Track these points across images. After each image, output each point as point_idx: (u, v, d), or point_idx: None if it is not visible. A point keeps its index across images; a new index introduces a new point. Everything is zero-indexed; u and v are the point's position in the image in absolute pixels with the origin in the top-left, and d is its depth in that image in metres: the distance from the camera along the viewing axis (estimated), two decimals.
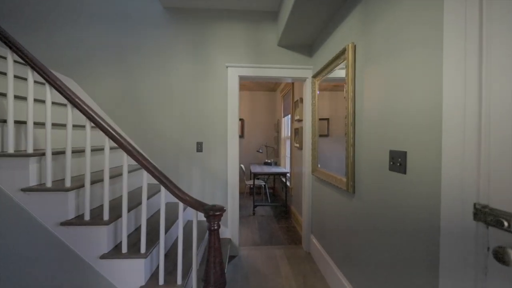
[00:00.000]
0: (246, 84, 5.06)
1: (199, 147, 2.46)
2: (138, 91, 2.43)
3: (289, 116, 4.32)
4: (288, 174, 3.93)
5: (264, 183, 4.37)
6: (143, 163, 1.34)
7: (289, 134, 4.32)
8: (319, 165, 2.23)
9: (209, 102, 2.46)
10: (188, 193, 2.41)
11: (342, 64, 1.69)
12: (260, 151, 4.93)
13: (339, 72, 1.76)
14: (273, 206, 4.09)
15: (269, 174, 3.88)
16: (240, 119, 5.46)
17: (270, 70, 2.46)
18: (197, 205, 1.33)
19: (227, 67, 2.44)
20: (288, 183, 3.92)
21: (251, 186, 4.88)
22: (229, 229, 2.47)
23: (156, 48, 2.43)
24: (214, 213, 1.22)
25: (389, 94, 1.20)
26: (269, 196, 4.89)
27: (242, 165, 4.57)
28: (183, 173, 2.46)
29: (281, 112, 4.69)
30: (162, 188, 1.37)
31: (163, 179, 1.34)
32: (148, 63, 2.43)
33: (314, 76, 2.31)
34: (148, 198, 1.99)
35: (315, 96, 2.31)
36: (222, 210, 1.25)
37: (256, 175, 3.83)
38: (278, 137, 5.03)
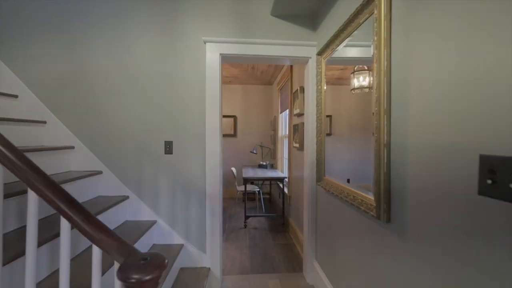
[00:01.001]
0: (238, 76, 4.48)
1: (168, 147, 1.87)
2: (86, 73, 1.83)
3: (287, 111, 3.74)
4: (286, 179, 3.35)
5: (258, 189, 3.79)
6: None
7: (287, 132, 3.75)
8: (326, 175, 1.65)
9: (182, 89, 1.87)
10: (154, 208, 1.85)
11: (365, 24, 1.11)
12: (254, 151, 4.35)
13: (352, 52, 1.18)
14: (268, 217, 3.50)
15: (263, 180, 3.30)
16: (232, 116, 4.87)
17: (261, 47, 1.88)
18: (119, 250, 0.73)
19: (205, 42, 1.85)
20: (286, 190, 3.33)
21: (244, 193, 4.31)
22: (208, 255, 1.88)
23: (111, 16, 1.83)
24: (139, 279, 0.63)
25: (475, 53, 0.62)
26: (263, 204, 4.30)
27: (233, 168, 3.99)
28: (147, 182, 1.87)
29: (278, 107, 4.11)
30: (64, 222, 0.77)
31: (57, 201, 0.74)
32: (99, 36, 1.83)
33: (320, 53, 1.73)
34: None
35: (321, 80, 1.73)
36: (156, 268, 0.65)
37: (247, 181, 3.25)
38: (275, 136, 4.45)
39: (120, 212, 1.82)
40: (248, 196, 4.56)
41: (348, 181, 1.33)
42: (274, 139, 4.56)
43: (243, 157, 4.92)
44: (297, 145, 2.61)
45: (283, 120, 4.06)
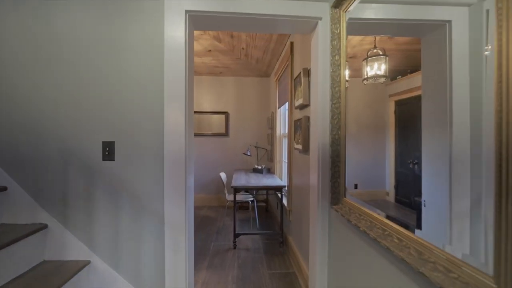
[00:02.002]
0: (231, 66, 3.86)
1: (108, 150, 1.25)
2: None
3: (287, 104, 3.12)
4: (285, 189, 2.73)
5: (252, 198, 3.17)
6: None
7: (287, 131, 3.13)
8: (346, 195, 1.04)
9: (129, 66, 1.25)
10: (88, 241, 1.22)
11: None
12: (248, 153, 3.73)
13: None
14: (264, 235, 2.88)
15: (257, 189, 2.68)
16: (224, 113, 4.25)
17: (248, 2, 1.26)
18: None
19: None
20: (285, 201, 2.71)
21: (238, 204, 3.67)
22: None
23: None
24: None
25: None
26: (258, 216, 3.68)
27: (222, 174, 3.37)
28: (76, 203, 1.25)
29: (276, 102, 3.49)
30: None
31: None
32: None
33: (337, 4, 1.12)
34: None
35: (340, 48, 1.11)
36: None
37: (238, 190, 2.63)
38: (273, 135, 3.84)
39: (34, 249, 1.21)
40: (241, 205, 3.94)
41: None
42: (271, 139, 3.94)
43: (235, 160, 4.30)
44: (299, 146, 2.00)
45: (282, 116, 3.44)
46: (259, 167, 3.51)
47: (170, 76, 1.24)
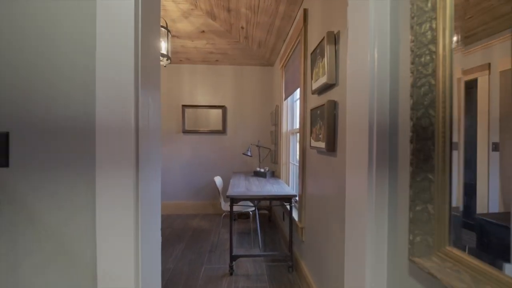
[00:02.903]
0: (228, 52, 3.31)
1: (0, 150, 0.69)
2: None
3: (297, 92, 2.58)
4: (296, 198, 2.17)
5: (253, 208, 2.61)
6: None
7: (298, 125, 2.60)
8: (451, 244, 0.48)
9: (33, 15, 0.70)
10: None
11: None
12: (249, 154, 3.17)
13: None
14: (268, 257, 2.32)
15: (259, 198, 2.12)
16: (221, 107, 3.70)
17: None
18: None
19: None
20: (295, 215, 2.16)
21: (235, 215, 3.06)
22: None
23: None
24: None
25: None
26: (260, 230, 3.13)
27: (217, 178, 2.81)
28: None
29: (282, 93, 2.94)
30: None
31: None
32: None
33: None
34: None
35: None
36: None
37: (235, 200, 2.07)
38: (277, 132, 3.29)
39: None
40: (240, 214, 3.39)
41: None
42: (276, 136, 3.38)
43: (234, 161, 3.75)
44: (319, 144, 1.44)
45: (289, 109, 2.89)
46: (262, 170, 2.96)
47: (104, 27, 0.69)
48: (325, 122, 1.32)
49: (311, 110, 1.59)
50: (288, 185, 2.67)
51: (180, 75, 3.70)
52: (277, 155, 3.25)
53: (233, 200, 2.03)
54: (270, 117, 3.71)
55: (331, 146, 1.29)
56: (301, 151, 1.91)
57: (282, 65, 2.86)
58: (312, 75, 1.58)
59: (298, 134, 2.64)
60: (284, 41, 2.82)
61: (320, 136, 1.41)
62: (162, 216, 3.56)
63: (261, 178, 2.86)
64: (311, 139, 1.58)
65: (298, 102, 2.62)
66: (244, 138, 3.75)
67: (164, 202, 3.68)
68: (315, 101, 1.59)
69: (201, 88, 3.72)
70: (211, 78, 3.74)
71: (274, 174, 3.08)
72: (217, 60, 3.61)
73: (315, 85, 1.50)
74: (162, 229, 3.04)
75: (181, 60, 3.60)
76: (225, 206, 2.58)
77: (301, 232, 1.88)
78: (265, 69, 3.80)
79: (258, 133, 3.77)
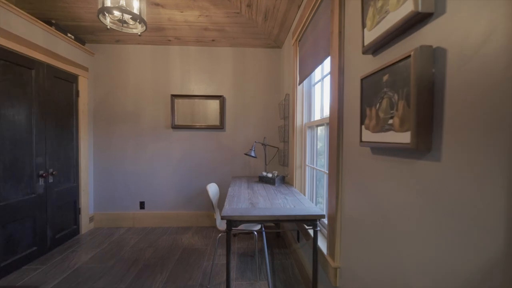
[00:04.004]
0: (226, 28, 2.66)
1: None
2: None
3: (316, 73, 1.94)
4: (324, 220, 1.50)
5: (259, 226, 1.96)
6: None
7: (318, 115, 1.97)
8: None
9: None
10: None
11: None
12: (252, 154, 2.52)
13: None
14: None
15: (268, 221, 1.45)
16: (218, 97, 3.06)
17: None
18: None
19: None
20: (322, 245, 1.49)
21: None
22: None
23: None
24: None
25: None
26: (269, 256, 2.49)
27: (211, 187, 2.16)
28: None
29: (295, 75, 2.29)
30: None
31: None
32: None
33: None
34: None
35: None
36: None
37: (234, 223, 1.42)
38: (288, 126, 2.64)
39: None
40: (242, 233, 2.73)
41: None
42: (286, 132, 2.73)
43: (234, 163, 3.10)
44: (387, 136, 0.80)
45: (306, 96, 2.23)
46: (269, 175, 2.31)
47: None
48: (409, 93, 0.67)
49: (364, 78, 0.93)
50: (304, 195, 2.02)
51: (168, 59, 3.05)
52: (287, 156, 2.60)
53: (232, 223, 1.38)
54: (278, 109, 3.06)
55: (425, 140, 0.64)
56: (333, 150, 1.26)
57: (297, 39, 2.21)
58: (364, 20, 0.92)
59: (319, 128, 1.99)
60: (299, 6, 2.17)
61: (390, 122, 0.76)
62: (145, 229, 2.92)
63: (269, 186, 2.21)
64: (363, 129, 0.93)
65: (317, 87, 1.96)
66: (246, 134, 3.11)
67: (149, 212, 3.04)
68: (371, 63, 0.94)
69: (195, 75, 3.08)
70: (207, 62, 3.09)
71: (285, 180, 2.43)
72: (213, 40, 2.96)
73: (374, 33, 0.84)
74: (141, 249, 2.40)
75: (169, 40, 2.96)
76: (221, 224, 1.93)
77: (335, 274, 1.23)
78: (272, 52, 3.15)
79: (263, 128, 3.12)
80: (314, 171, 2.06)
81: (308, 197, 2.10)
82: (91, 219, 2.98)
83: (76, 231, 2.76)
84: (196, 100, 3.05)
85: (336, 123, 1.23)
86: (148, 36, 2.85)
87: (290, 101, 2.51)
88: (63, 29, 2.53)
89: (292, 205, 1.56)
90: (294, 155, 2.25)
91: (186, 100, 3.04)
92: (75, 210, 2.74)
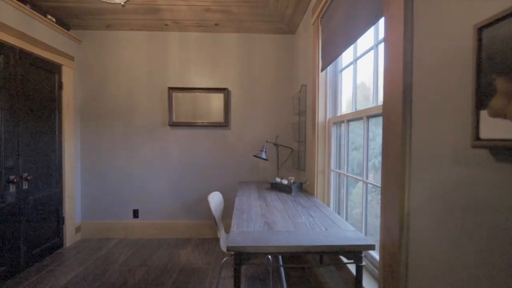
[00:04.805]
0: (232, 9, 2.27)
1: None
2: None
3: (351, 48, 1.52)
4: (372, 252, 1.09)
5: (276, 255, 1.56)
6: None
7: (345, 109, 1.56)
8: None
9: None
10: None
11: None
12: (263, 156, 2.13)
13: None
14: None
15: (294, 252, 1.05)
16: (222, 90, 2.66)
17: None
18: None
19: None
20: None
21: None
22: None
23: None
24: None
25: None
26: (285, 283, 2.07)
27: (215, 195, 1.77)
28: None
29: (317, 60, 1.88)
30: None
31: None
32: None
33: None
34: None
35: None
36: None
37: (242, 256, 1.02)
38: (305, 123, 2.24)
39: None
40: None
41: None
42: (302, 130, 2.33)
43: (240, 165, 2.70)
44: None
45: (330, 84, 1.81)
46: (284, 182, 1.91)
47: None
48: None
49: (488, 26, 0.52)
50: (322, 202, 1.61)
51: (166, 46, 2.67)
52: (304, 158, 2.19)
53: (242, 256, 0.98)
54: (292, 103, 2.66)
55: None
56: (393, 154, 0.85)
57: (318, 16, 1.80)
58: None
59: (343, 125, 1.58)
60: None
61: None
62: (139, 242, 2.55)
63: (284, 195, 1.81)
64: (485, 118, 0.52)
65: (346, 74, 1.54)
66: (254, 133, 2.71)
67: (143, 221, 2.66)
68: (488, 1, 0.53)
69: (195, 65, 2.69)
70: (209, 50, 2.70)
71: (302, 188, 2.02)
72: (216, 24, 2.57)
73: None
74: (130, 269, 2.01)
75: (166, 25, 2.57)
76: (224, 245, 1.54)
77: None
78: (284, 39, 2.74)
79: (273, 126, 2.72)
80: (340, 177, 1.65)
81: (332, 207, 1.70)
82: (78, 229, 2.62)
83: (59, 243, 2.39)
84: (197, 94, 2.66)
85: (401, 112, 0.82)
86: (141, 20, 2.47)
87: (308, 92, 2.11)
88: (41, 9, 2.16)
89: (323, 227, 1.16)
90: (315, 157, 1.84)
91: (185, 94, 2.65)
92: (58, 220, 2.38)
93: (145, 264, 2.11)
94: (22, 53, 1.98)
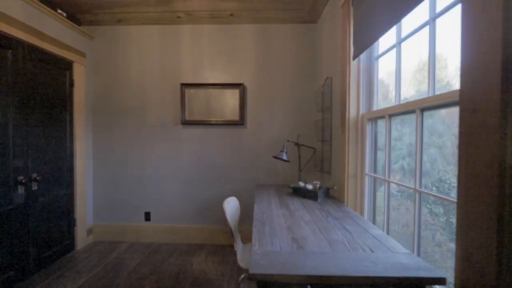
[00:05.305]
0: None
1: None
2: None
3: (391, 32, 1.24)
4: None
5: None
6: None
7: (381, 103, 1.29)
8: None
9: None
10: None
11: None
12: (284, 157, 1.92)
13: None
14: None
15: (335, 285, 0.84)
16: (238, 85, 2.48)
17: None
18: None
19: None
20: None
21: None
22: None
23: None
24: None
25: None
26: None
27: (231, 201, 1.58)
28: None
29: (347, 47, 1.63)
30: None
31: None
32: None
33: None
34: None
35: None
36: None
37: (269, 285, 0.83)
38: (328, 120, 2.00)
39: None
40: None
41: None
42: (326, 128, 2.09)
43: (257, 167, 2.50)
44: None
45: (364, 75, 1.56)
46: (309, 187, 1.68)
47: None
48: None
49: None
50: (355, 211, 1.36)
51: (178, 40, 2.53)
52: (330, 160, 1.95)
53: (267, 285, 0.78)
54: (315, 99, 2.42)
55: None
56: (478, 160, 0.61)
57: None
58: None
59: (380, 121, 1.32)
60: None
61: None
62: (150, 246, 2.42)
63: (309, 202, 1.58)
64: None
65: (383, 61, 1.28)
66: (272, 132, 2.50)
67: (155, 224, 2.54)
68: None
69: (209, 59, 2.52)
70: (224, 43, 2.52)
71: (329, 193, 1.78)
72: (232, 15, 2.39)
73: None
74: (141, 277, 1.87)
75: (178, 17, 2.43)
76: (243, 259, 1.34)
77: None
78: (305, 28, 2.51)
79: (293, 124, 2.49)
80: (384, 184, 1.40)
81: (366, 217, 1.44)
82: (90, 231, 2.54)
83: (71, 246, 2.32)
84: (211, 90, 2.49)
85: (498, 100, 0.58)
86: (153, 12, 2.34)
87: (335, 86, 1.86)
88: (51, 3, 2.08)
89: (366, 247, 0.93)
90: (345, 159, 1.60)
91: (198, 90, 2.49)
92: (69, 222, 2.30)
93: (156, 272, 1.96)
94: (32, 48, 1.90)
